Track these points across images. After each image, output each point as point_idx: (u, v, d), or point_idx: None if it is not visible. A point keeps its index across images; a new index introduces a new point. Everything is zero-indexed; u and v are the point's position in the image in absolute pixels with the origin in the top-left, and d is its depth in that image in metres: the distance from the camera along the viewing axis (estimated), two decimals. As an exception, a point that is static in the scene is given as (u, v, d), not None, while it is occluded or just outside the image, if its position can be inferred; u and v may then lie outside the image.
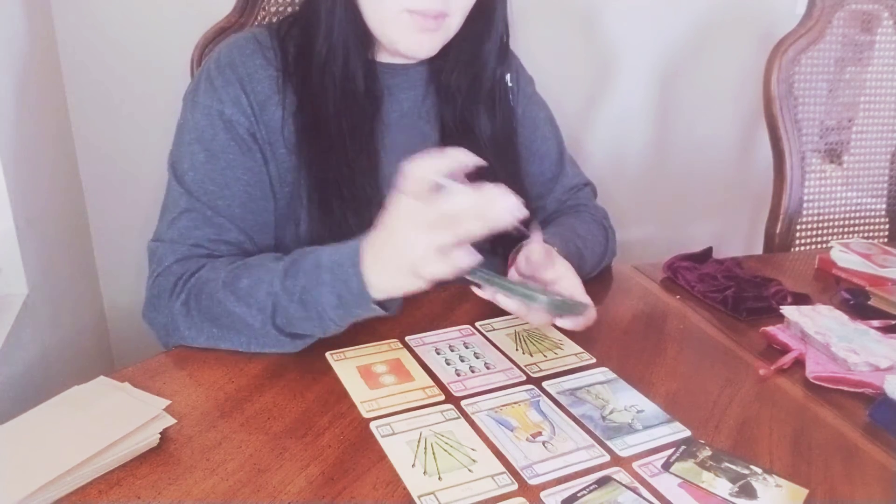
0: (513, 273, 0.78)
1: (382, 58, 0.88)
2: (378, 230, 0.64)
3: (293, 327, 0.71)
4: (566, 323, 0.73)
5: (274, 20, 1.02)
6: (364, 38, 0.84)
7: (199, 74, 0.84)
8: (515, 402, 0.69)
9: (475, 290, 0.71)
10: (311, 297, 0.68)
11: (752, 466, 0.61)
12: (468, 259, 0.61)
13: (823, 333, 0.80)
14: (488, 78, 0.91)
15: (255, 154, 0.82)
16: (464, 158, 0.60)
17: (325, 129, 0.82)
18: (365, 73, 0.85)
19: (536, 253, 0.75)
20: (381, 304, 0.68)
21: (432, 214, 0.59)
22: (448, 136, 0.92)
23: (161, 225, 0.81)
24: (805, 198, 1.36)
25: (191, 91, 0.84)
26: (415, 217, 0.60)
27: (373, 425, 0.64)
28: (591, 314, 0.75)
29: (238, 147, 0.81)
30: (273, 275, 0.71)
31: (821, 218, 1.39)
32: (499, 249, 0.88)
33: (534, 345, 0.79)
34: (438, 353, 0.76)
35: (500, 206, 0.58)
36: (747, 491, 0.58)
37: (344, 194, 0.82)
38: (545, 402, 0.69)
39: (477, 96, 0.92)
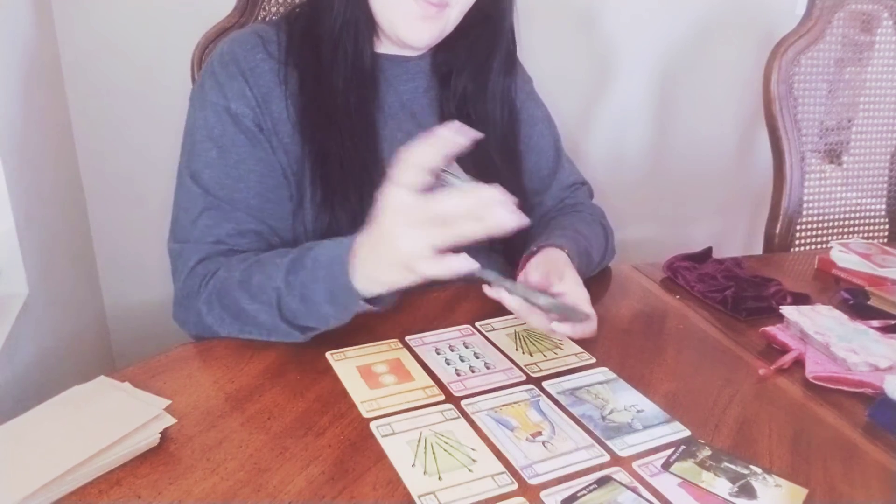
0: (521, 279, 0.78)
1: (385, 49, 0.89)
2: (372, 225, 0.63)
3: (298, 320, 0.72)
4: (565, 329, 0.72)
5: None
6: (369, 24, 0.85)
7: (204, 72, 0.85)
8: (515, 402, 0.69)
9: (485, 287, 0.72)
10: (309, 291, 0.69)
11: (751, 466, 0.61)
12: (463, 264, 0.59)
13: (823, 333, 0.80)
14: (494, 85, 0.92)
15: (264, 144, 0.83)
16: (461, 141, 0.57)
17: (331, 104, 0.83)
18: (370, 56, 0.86)
19: (543, 267, 0.77)
20: (372, 300, 0.67)
21: (427, 212, 0.58)
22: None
23: (180, 226, 0.82)
24: (805, 198, 1.36)
25: (197, 90, 0.85)
26: (408, 213, 0.59)
27: (373, 425, 0.64)
28: (592, 326, 0.75)
29: (247, 139, 0.82)
30: (279, 270, 0.72)
31: (820, 218, 1.39)
32: (497, 246, 0.88)
33: (534, 345, 0.79)
34: (438, 353, 0.76)
35: (497, 212, 0.56)
36: (747, 491, 0.58)
37: (345, 167, 0.83)
38: (545, 402, 0.69)
39: (480, 96, 0.92)
